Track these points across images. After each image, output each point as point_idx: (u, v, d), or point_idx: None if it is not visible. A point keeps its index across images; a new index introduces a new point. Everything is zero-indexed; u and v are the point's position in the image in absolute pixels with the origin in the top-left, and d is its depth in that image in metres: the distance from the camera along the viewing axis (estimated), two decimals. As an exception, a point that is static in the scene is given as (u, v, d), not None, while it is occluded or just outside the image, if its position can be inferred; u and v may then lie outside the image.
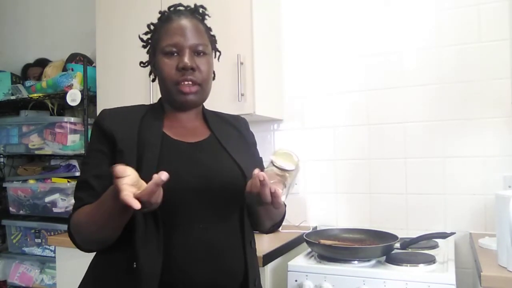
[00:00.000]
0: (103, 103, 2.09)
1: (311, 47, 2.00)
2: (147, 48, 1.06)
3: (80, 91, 2.12)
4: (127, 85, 1.98)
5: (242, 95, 1.70)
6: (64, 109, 2.43)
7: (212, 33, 1.07)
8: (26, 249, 2.25)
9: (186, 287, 0.87)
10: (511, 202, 1.11)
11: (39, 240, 2.21)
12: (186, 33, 0.96)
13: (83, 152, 2.12)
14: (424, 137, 1.77)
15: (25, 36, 2.82)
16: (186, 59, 0.94)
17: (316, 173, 1.97)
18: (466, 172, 1.70)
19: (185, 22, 0.98)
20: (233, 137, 1.07)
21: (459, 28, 1.73)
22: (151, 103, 1.07)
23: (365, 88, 1.88)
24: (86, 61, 2.19)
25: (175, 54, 0.96)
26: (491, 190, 1.62)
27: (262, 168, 1.09)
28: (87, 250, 0.94)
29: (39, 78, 2.46)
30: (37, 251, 2.22)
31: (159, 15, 1.03)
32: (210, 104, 1.13)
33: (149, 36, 1.05)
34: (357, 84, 1.90)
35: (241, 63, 1.70)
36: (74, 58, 2.32)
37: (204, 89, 1.00)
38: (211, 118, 1.08)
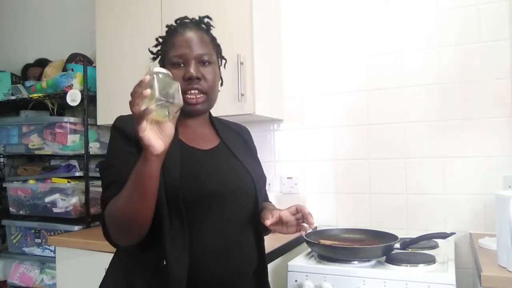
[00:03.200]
0: (103, 103, 2.09)
1: (311, 47, 2.00)
2: (157, 59, 1.11)
3: (80, 91, 2.12)
4: (127, 85, 1.96)
5: (242, 95, 1.70)
6: (64, 109, 2.42)
7: (217, 42, 1.11)
8: (26, 249, 2.25)
9: (207, 283, 0.94)
10: (511, 202, 1.11)
11: (39, 240, 2.21)
12: (192, 45, 1.02)
13: (83, 152, 2.11)
14: (424, 137, 1.77)
15: (25, 36, 2.82)
16: (192, 70, 1.00)
17: (316, 173, 1.97)
18: (466, 172, 1.70)
19: (190, 34, 1.03)
20: (240, 145, 1.15)
21: (459, 28, 1.73)
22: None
23: (365, 88, 1.88)
24: (86, 61, 2.18)
25: (182, 65, 1.01)
26: (491, 190, 1.62)
27: (263, 174, 1.14)
28: (120, 242, 0.94)
29: (39, 78, 2.46)
30: (37, 251, 2.22)
31: (167, 29, 1.08)
32: (210, 104, 1.13)
33: (159, 48, 1.10)
34: (357, 84, 1.90)
35: (241, 63, 1.70)
36: (74, 58, 2.32)
37: (210, 97, 1.05)
38: (219, 126, 1.14)
